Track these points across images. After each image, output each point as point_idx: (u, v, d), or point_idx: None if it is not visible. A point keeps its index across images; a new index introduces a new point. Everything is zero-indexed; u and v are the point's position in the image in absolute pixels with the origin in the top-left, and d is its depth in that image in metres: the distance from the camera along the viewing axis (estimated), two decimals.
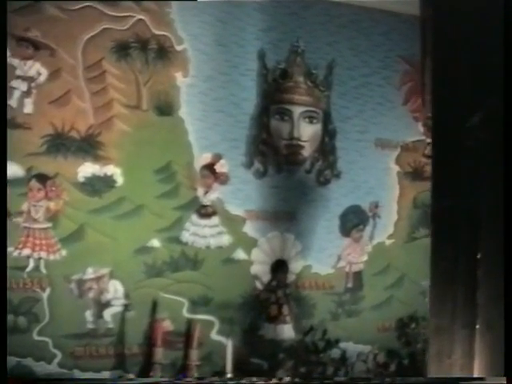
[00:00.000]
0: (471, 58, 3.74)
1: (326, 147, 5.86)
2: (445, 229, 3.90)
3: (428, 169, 6.07)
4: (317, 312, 5.70)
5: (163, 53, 5.19)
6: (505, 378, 3.47)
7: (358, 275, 5.90)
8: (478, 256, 3.62)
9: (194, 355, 5.09)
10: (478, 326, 3.57)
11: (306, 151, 5.78)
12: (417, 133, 6.27)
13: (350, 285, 5.88)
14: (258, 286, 5.52)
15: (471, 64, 3.73)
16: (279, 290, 5.59)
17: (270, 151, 5.65)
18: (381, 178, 6.03)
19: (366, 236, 5.98)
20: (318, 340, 5.60)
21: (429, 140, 6.07)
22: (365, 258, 5.97)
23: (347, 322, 5.78)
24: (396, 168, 6.11)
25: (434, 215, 4.05)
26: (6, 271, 3.96)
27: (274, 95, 5.61)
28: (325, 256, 5.75)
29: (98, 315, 4.95)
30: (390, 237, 6.03)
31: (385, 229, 6.02)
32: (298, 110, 5.68)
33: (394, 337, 5.97)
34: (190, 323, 5.20)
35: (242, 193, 5.41)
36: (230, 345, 5.14)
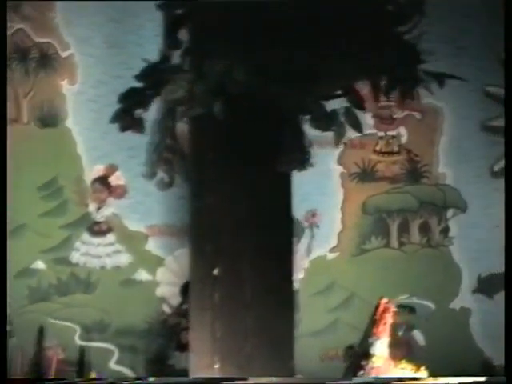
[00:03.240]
0: None
1: None
2: None
3: (381, 167, 5.25)
4: None
5: (46, 61, 4.88)
6: (505, 378, 3.45)
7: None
8: None
9: None
10: None
11: None
12: (365, 126, 5.27)
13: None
14: (166, 309, 4.97)
15: None
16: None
17: (177, 158, 5.14)
18: (319, 181, 5.18)
19: (301, 250, 5.17)
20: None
21: (381, 133, 5.25)
22: (301, 275, 5.17)
23: None
24: (339, 169, 5.24)
25: None
26: (5, 271, 3.80)
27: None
28: None
29: None
30: (333, 250, 5.18)
31: (326, 240, 5.17)
32: None
33: (341, 367, 5.15)
34: (83, 351, 4.85)
35: (142, 206, 4.91)
36: (132, 376, 4.71)
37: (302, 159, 3.73)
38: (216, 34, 3.39)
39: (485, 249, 5.33)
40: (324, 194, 5.18)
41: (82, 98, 4.88)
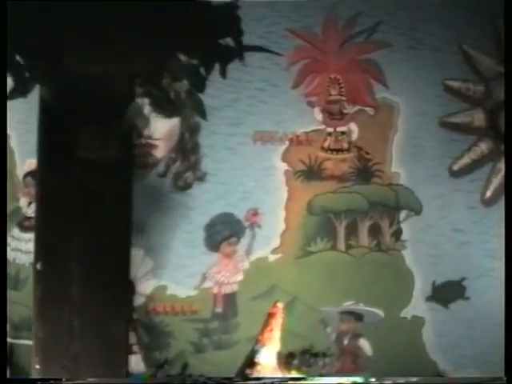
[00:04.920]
0: None
1: (186, 145, 4.96)
2: None
3: (329, 165, 4.97)
4: (174, 342, 4.79)
5: None
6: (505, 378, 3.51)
7: (230, 298, 4.85)
8: None
9: None
10: None
11: (160, 151, 4.93)
12: (312, 121, 5.01)
13: (219, 310, 4.85)
14: None
15: None
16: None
17: None
18: (261, 179, 4.91)
19: (240, 250, 4.90)
20: (177, 376, 4.76)
21: (330, 129, 4.97)
22: (239, 277, 4.89)
23: (216, 355, 4.77)
24: (283, 166, 4.94)
25: None
26: (5, 270, 3.77)
27: None
28: (184, 275, 4.81)
29: None
30: (275, 251, 4.89)
31: (268, 241, 4.89)
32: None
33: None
34: (12, 349, 4.72)
35: None
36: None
37: None
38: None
39: (440, 254, 4.95)
40: (266, 193, 4.89)
41: None
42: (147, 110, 4.75)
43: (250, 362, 3.75)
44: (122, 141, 3.13)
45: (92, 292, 2.82)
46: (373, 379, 3.60)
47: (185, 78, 3.74)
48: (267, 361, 3.77)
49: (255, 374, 3.67)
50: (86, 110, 2.94)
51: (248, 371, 3.72)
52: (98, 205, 2.91)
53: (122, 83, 2.87)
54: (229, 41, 3.83)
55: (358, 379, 3.66)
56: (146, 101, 3.36)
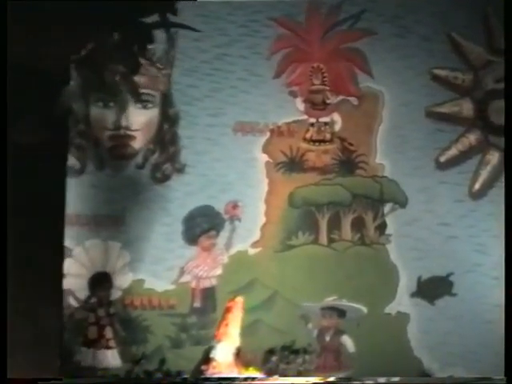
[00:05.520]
0: None
1: (165, 136, 4.84)
2: None
3: (311, 157, 4.84)
4: (152, 337, 4.67)
5: None
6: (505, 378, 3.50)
7: (208, 293, 4.73)
8: None
9: None
10: None
11: (138, 142, 4.80)
12: (294, 112, 4.88)
13: (197, 304, 4.73)
14: (73, 303, 4.69)
15: None
16: (100, 308, 4.68)
17: (89, 144, 4.86)
18: (242, 170, 4.80)
19: (220, 244, 4.78)
20: (154, 371, 4.65)
21: (312, 120, 4.84)
22: (218, 271, 4.77)
23: (194, 350, 4.55)
24: (264, 157, 4.82)
25: None
26: (5, 271, 3.69)
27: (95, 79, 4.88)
28: (162, 268, 4.70)
29: None
30: (255, 244, 4.76)
31: (248, 234, 4.77)
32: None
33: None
34: None
35: None
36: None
37: None
38: None
39: (426, 248, 4.80)
40: (247, 185, 4.78)
41: None
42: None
43: (206, 359, 3.63)
44: (56, 125, 3.03)
45: (25, 287, 2.74)
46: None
47: (119, 59, 3.65)
48: (222, 357, 3.65)
49: (210, 371, 3.55)
50: (18, 93, 2.85)
51: (203, 368, 3.61)
52: (31, 193, 2.82)
53: (56, 66, 2.77)
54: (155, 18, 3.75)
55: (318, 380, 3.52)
56: (81, 84, 3.27)
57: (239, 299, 3.85)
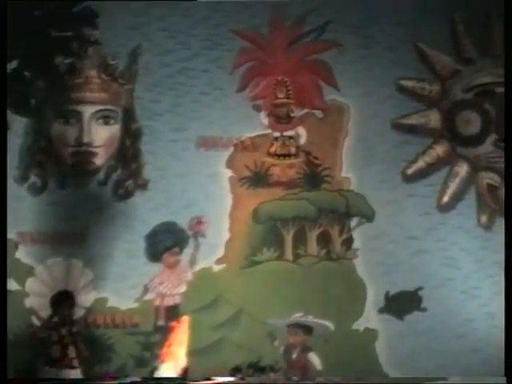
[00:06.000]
0: None
1: (128, 152, 4.77)
2: None
3: (276, 171, 4.76)
4: (116, 356, 4.59)
5: None
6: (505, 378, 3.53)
7: (173, 310, 4.62)
8: None
9: None
10: None
11: (100, 159, 4.74)
12: (258, 126, 4.80)
13: (161, 322, 4.63)
14: (35, 321, 4.61)
15: None
16: (63, 327, 4.58)
17: (51, 161, 4.81)
18: (205, 186, 4.72)
19: (184, 260, 4.70)
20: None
21: (276, 133, 4.76)
22: (182, 288, 4.68)
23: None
24: (227, 172, 4.75)
25: None
26: (5, 270, 3.77)
27: (56, 96, 4.80)
28: (125, 286, 4.62)
29: None
30: (219, 261, 4.68)
31: (212, 251, 4.69)
32: (89, 111, 4.68)
33: None
34: None
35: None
36: None
37: None
38: None
39: (394, 262, 4.70)
40: (211, 201, 4.70)
41: None
42: None
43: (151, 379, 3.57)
44: None
45: None
46: None
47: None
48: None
49: None
50: None
51: None
52: None
53: None
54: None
55: None
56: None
57: (184, 319, 3.78)
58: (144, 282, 4.68)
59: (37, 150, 4.78)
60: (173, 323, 3.81)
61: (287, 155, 4.81)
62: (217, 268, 4.71)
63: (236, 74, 4.82)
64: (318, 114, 4.80)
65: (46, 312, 4.66)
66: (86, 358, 4.68)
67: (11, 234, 4.65)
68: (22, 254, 4.63)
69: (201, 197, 4.76)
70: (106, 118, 4.76)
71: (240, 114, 4.79)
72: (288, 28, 4.87)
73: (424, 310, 4.72)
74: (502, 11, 4.71)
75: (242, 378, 4.54)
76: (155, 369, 3.63)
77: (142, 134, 4.78)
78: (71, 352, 4.69)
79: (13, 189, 4.66)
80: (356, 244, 4.71)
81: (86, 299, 4.68)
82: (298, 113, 4.81)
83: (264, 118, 4.79)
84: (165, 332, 4.62)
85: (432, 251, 4.74)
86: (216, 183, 4.75)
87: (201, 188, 4.76)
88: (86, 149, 4.76)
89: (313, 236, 4.76)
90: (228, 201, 4.74)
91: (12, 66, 4.13)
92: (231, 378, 4.00)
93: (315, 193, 4.75)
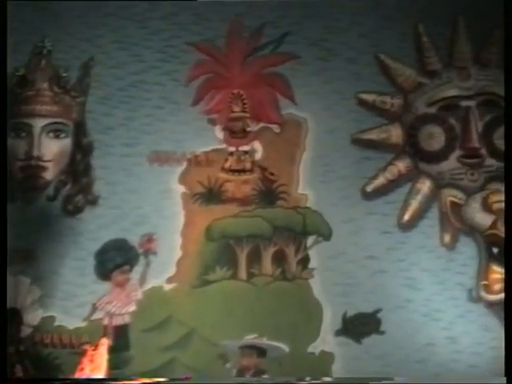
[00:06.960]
0: None
1: (78, 167, 4.64)
2: None
3: (230, 187, 4.61)
4: (62, 376, 4.44)
5: None
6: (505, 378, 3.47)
7: (122, 330, 4.46)
8: None
9: None
10: None
11: (50, 173, 4.62)
12: (213, 140, 4.65)
13: (109, 342, 4.61)
14: None
15: None
16: (10, 346, 4.46)
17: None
18: (157, 202, 4.56)
19: (134, 279, 4.53)
20: None
21: (231, 148, 4.62)
22: (132, 307, 4.50)
23: None
24: (180, 188, 4.58)
25: None
26: (5, 271, 3.73)
27: (8, 109, 4.70)
28: (74, 305, 4.45)
29: None
30: (170, 280, 4.50)
31: (163, 269, 4.51)
32: (39, 124, 4.53)
33: None
34: None
35: None
36: None
37: None
38: None
39: (352, 283, 4.50)
40: (162, 217, 4.53)
41: None
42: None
43: None
44: None
45: None
46: None
47: None
48: None
49: None
50: None
51: None
52: None
53: None
54: None
55: None
56: None
57: (103, 341, 3.64)
58: (92, 301, 4.51)
59: None
60: (85, 346, 3.68)
61: (242, 171, 4.65)
62: (168, 287, 4.54)
63: (191, 88, 4.68)
64: (275, 128, 4.64)
65: None
66: (33, 377, 4.63)
67: None
68: None
69: (153, 213, 4.61)
70: (56, 132, 4.64)
71: (194, 129, 4.64)
72: (245, 40, 4.72)
73: (382, 332, 4.52)
74: (467, 23, 4.62)
75: None
76: None
77: (94, 148, 4.65)
78: (18, 371, 4.58)
79: None
80: (312, 263, 4.51)
81: (33, 317, 4.53)
82: (254, 127, 4.64)
83: (219, 133, 4.64)
84: (113, 352, 4.39)
85: (392, 272, 4.55)
86: (168, 199, 4.60)
87: (153, 204, 4.61)
88: (36, 163, 4.62)
89: (267, 255, 4.59)
90: (180, 218, 4.58)
91: None
92: None
93: (271, 210, 4.58)
